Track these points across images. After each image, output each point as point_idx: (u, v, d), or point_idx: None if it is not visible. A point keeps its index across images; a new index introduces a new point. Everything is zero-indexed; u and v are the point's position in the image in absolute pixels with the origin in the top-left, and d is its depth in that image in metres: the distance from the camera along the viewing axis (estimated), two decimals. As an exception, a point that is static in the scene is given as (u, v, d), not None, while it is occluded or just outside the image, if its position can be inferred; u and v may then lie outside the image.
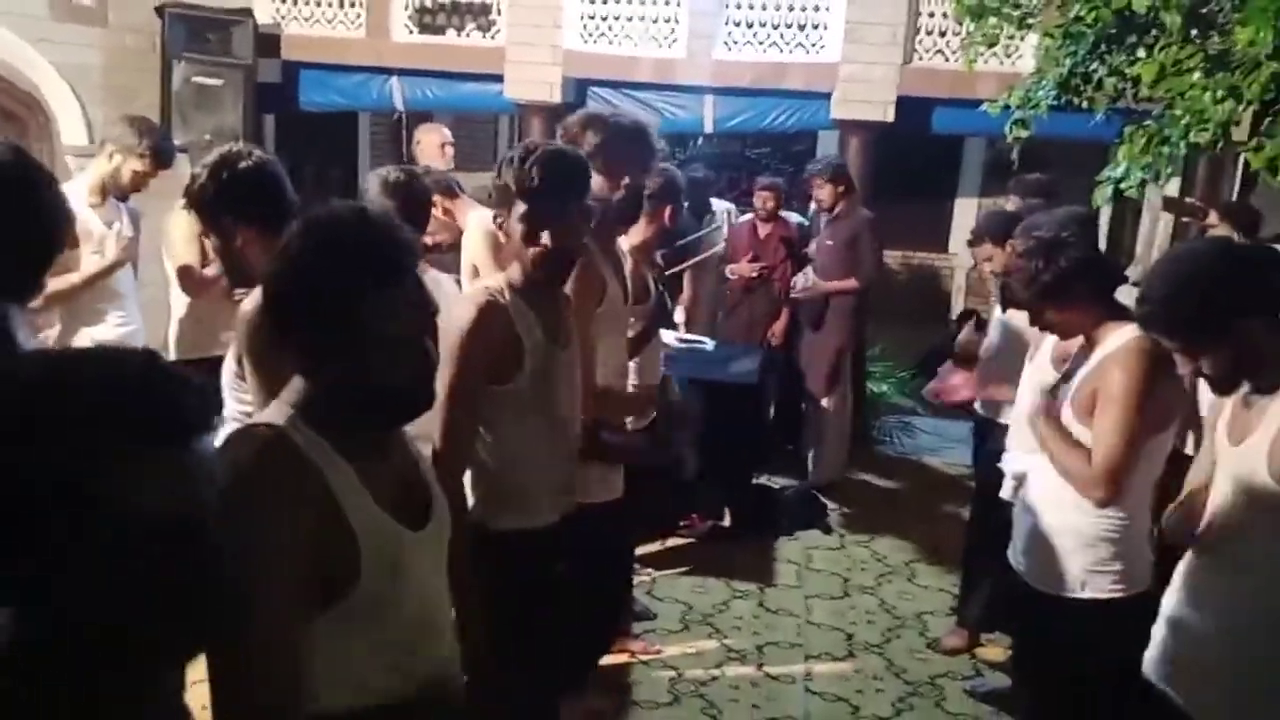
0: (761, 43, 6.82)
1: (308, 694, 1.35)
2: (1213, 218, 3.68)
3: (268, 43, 6.85)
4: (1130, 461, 2.26)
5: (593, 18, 6.90)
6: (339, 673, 1.39)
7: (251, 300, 2.18)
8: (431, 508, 1.53)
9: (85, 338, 3.74)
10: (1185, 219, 4.16)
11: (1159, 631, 2.15)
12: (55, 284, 3.58)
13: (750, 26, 6.81)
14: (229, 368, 2.36)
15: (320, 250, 1.37)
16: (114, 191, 3.78)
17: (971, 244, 3.99)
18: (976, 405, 4.11)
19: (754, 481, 5.37)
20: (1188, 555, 2.11)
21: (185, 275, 3.65)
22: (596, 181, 2.58)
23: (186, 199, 2.34)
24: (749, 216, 6.01)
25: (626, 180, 2.71)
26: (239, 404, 2.29)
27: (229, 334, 4.06)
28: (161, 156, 3.77)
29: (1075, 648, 2.44)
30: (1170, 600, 2.13)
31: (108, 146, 3.73)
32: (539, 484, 2.22)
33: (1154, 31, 3.66)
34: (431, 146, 4.98)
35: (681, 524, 4.87)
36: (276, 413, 1.39)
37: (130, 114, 3.95)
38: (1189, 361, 1.97)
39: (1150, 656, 2.16)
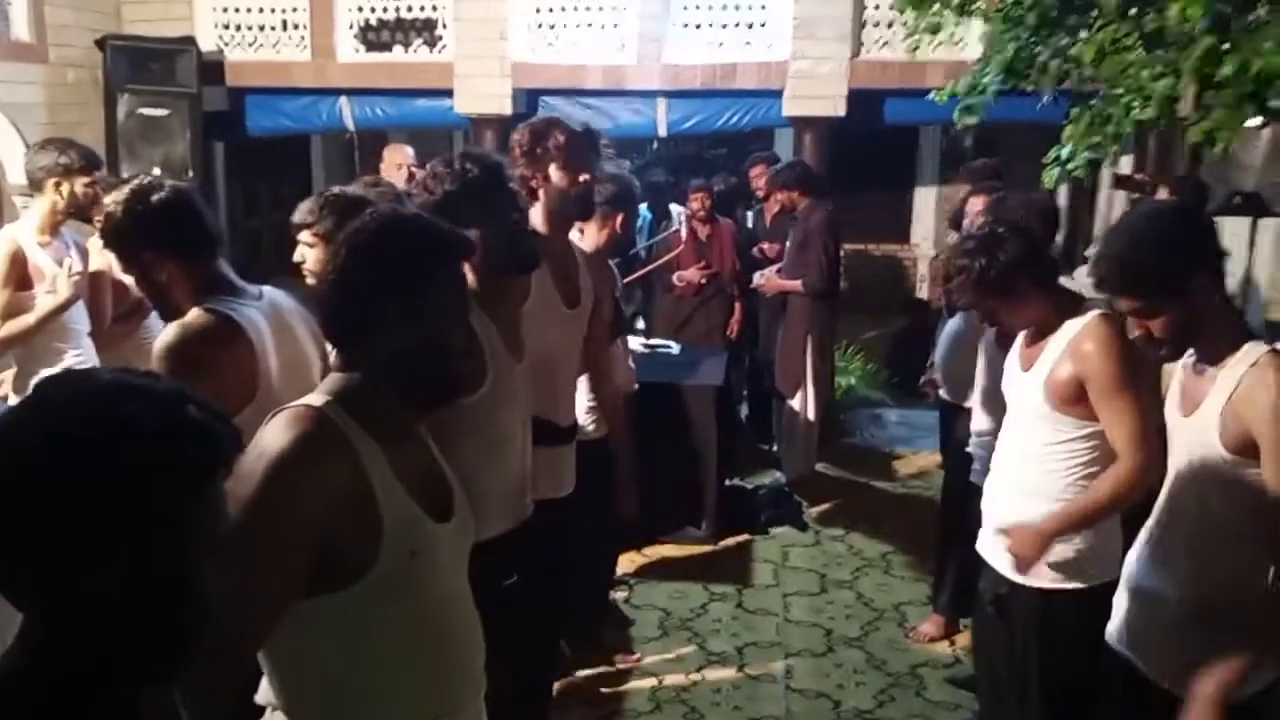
0: (710, 44, 6.82)
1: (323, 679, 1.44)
2: (1161, 193, 3.71)
3: (212, 70, 6.78)
4: (1149, 424, 2.27)
5: (540, 27, 6.87)
6: (363, 662, 1.43)
7: (170, 332, 2.14)
8: (453, 505, 1.59)
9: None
10: (1135, 195, 4.19)
11: (1120, 600, 2.17)
12: (10, 326, 3.53)
13: (699, 28, 6.82)
14: None
15: (388, 235, 1.49)
16: (78, 215, 3.73)
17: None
18: (941, 392, 4.13)
19: (727, 483, 5.36)
20: (1147, 524, 2.14)
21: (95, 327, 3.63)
22: (557, 177, 2.64)
23: (102, 236, 2.27)
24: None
25: (584, 177, 2.71)
26: None
27: None
28: (94, 159, 3.74)
29: (1046, 635, 2.46)
30: (1130, 569, 2.16)
31: (46, 180, 3.66)
32: (491, 495, 2.20)
33: (1093, 12, 3.68)
34: (390, 165, 5.02)
35: (660, 538, 4.84)
36: (315, 398, 1.46)
37: (38, 143, 3.90)
38: (1141, 324, 1.97)
39: (1113, 626, 2.18)
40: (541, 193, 2.65)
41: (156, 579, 0.89)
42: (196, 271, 2.22)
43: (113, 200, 2.22)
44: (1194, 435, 1.97)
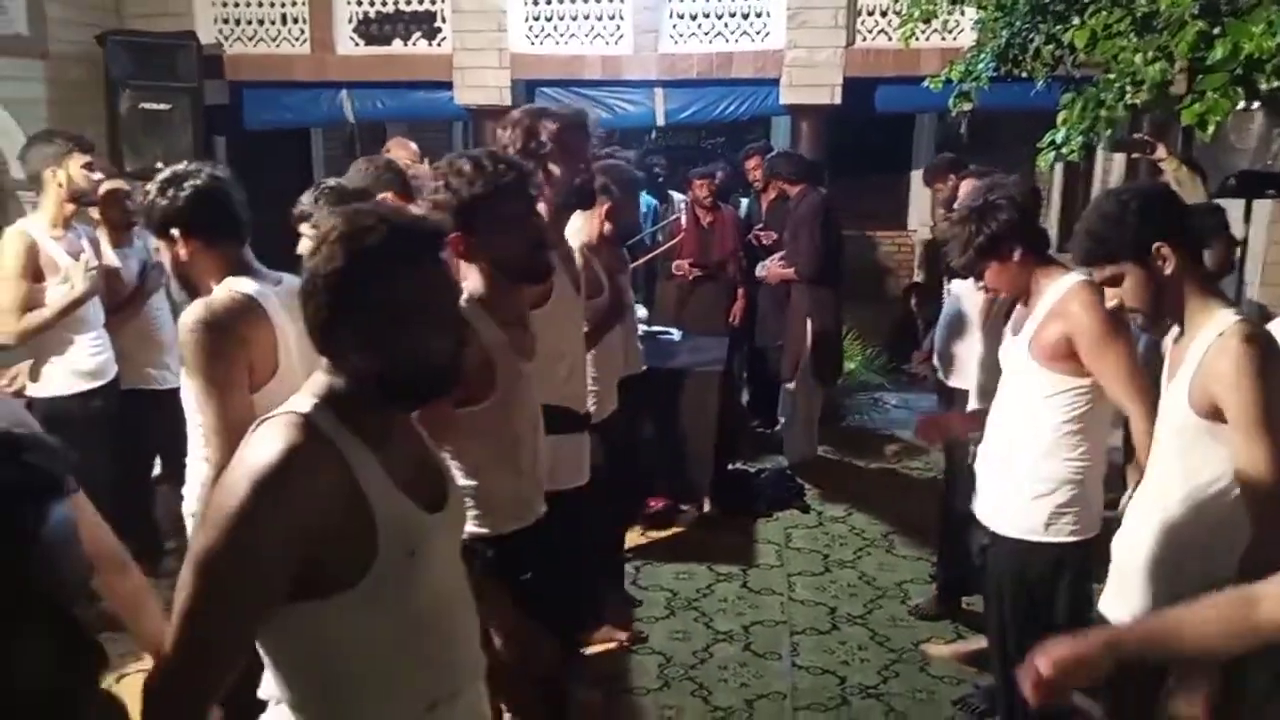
0: (707, 34, 6.87)
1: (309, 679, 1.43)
2: (1160, 151, 3.75)
3: (212, 64, 6.82)
4: (1140, 373, 2.39)
5: (538, 19, 6.92)
6: (362, 657, 1.44)
7: (196, 308, 2.22)
8: (447, 493, 1.59)
9: (59, 367, 3.74)
10: (1135, 155, 4.23)
11: (1112, 570, 2.27)
12: (29, 320, 3.59)
13: (694, 18, 6.86)
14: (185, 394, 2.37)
15: (359, 236, 1.41)
16: (82, 200, 3.79)
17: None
18: (939, 374, 4.21)
19: (730, 466, 5.44)
20: (1135, 492, 2.25)
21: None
22: (559, 170, 2.62)
23: (141, 216, 2.43)
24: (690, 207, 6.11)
25: (582, 166, 2.73)
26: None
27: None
28: (84, 142, 3.79)
29: (1031, 588, 2.56)
30: (1119, 537, 2.26)
31: (45, 171, 3.71)
32: (504, 496, 2.21)
33: (1085, -2, 3.74)
34: (395, 159, 5.04)
35: (651, 509, 4.91)
36: (301, 403, 1.44)
37: (25, 143, 3.96)
38: (1113, 291, 2.09)
39: (1104, 593, 2.29)
40: (545, 188, 2.58)
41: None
42: (222, 254, 2.33)
43: (153, 182, 2.35)
44: (1171, 402, 2.09)
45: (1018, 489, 2.55)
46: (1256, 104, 2.66)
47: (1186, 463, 2.07)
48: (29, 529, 0.89)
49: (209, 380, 2.17)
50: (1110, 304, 2.14)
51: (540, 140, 2.61)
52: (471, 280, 2.17)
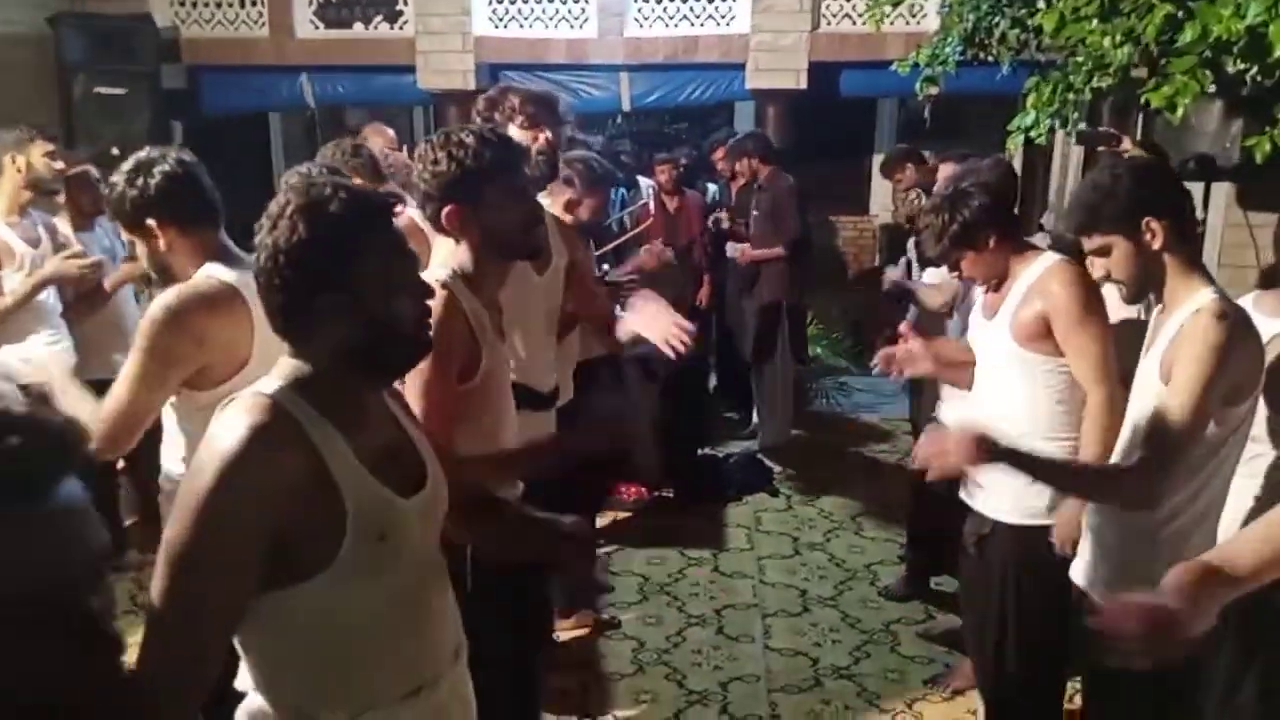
0: (672, 18, 6.86)
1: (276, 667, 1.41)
2: (1126, 144, 3.79)
3: (169, 48, 6.68)
4: (1112, 359, 2.41)
5: (502, 1, 6.86)
6: (338, 643, 1.42)
7: (169, 295, 2.16)
8: (426, 477, 1.55)
9: (13, 356, 3.65)
10: (1100, 148, 4.28)
11: (1084, 539, 2.30)
12: None
13: (660, 2, 6.85)
14: None
15: (320, 205, 1.38)
16: (41, 188, 3.70)
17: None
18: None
19: (700, 451, 5.45)
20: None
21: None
22: (519, 136, 2.60)
23: (107, 206, 2.32)
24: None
25: (545, 135, 2.72)
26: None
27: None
28: (47, 131, 3.73)
29: (1025, 572, 2.57)
30: (1092, 506, 2.28)
31: (4, 158, 3.62)
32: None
33: (1051, -19, 3.76)
34: (372, 146, 4.98)
35: (618, 496, 4.91)
36: (267, 384, 1.41)
37: None
38: (1101, 266, 2.11)
39: (1077, 564, 2.30)
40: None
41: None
42: (199, 240, 2.26)
43: (118, 172, 2.25)
44: (1143, 375, 2.12)
45: (1014, 474, 2.53)
46: (1213, 87, 2.68)
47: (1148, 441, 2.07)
48: (32, 508, 0.85)
49: (138, 368, 2.13)
50: (1096, 275, 2.16)
51: (502, 107, 2.63)
52: (459, 255, 2.11)
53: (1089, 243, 2.11)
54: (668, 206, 5.96)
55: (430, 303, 1.50)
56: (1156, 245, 2.02)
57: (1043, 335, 2.46)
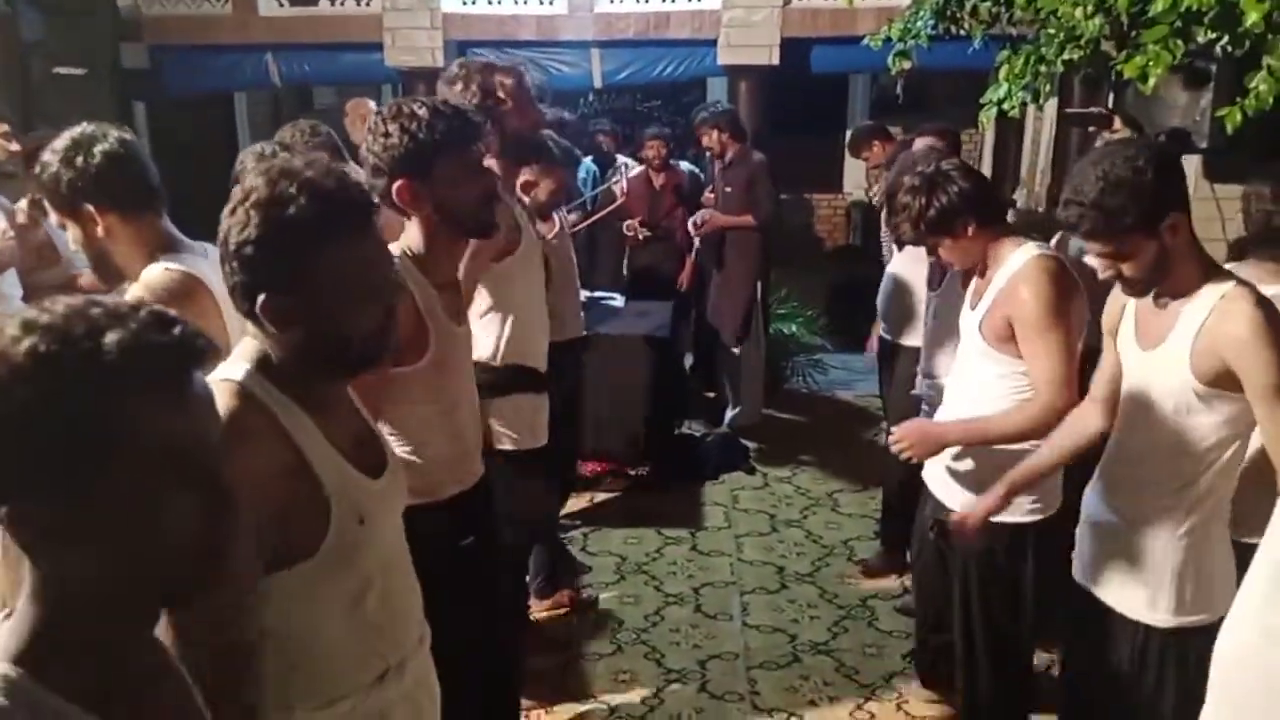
0: (643, -8, 6.79)
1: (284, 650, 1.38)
2: (1117, 124, 3.78)
3: (130, 27, 6.55)
4: (1072, 368, 2.31)
5: (469, -22, 6.77)
6: (316, 628, 1.41)
7: (136, 292, 2.01)
8: (386, 460, 1.55)
9: None
10: (1091, 129, 4.26)
11: (1081, 534, 2.25)
12: None
13: (630, -23, 6.78)
14: None
15: (278, 205, 1.31)
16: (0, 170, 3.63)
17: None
18: (881, 330, 4.23)
19: (676, 431, 5.44)
20: (1103, 457, 2.20)
21: None
22: (516, 122, 2.59)
23: (40, 189, 2.11)
24: (641, 169, 6.01)
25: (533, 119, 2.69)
26: None
27: None
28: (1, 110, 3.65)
29: (987, 569, 2.55)
30: (1087, 501, 2.23)
31: None
32: (442, 461, 2.10)
33: (1022, -47, 3.75)
34: (355, 119, 5.01)
35: (592, 474, 4.90)
36: (234, 369, 1.36)
37: None
38: (1111, 265, 1.95)
39: (1075, 559, 2.26)
40: (493, 142, 2.51)
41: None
42: (141, 228, 2.08)
43: (50, 151, 2.03)
44: (1160, 367, 1.98)
45: (973, 474, 2.49)
46: (1175, 60, 2.65)
47: (1171, 434, 1.98)
48: (183, 388, 0.92)
49: None
50: (1104, 275, 1.98)
51: (496, 94, 2.54)
52: (409, 234, 2.03)
53: (1104, 247, 1.92)
54: (654, 183, 5.89)
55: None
56: (1177, 239, 1.89)
57: (1009, 337, 2.38)
